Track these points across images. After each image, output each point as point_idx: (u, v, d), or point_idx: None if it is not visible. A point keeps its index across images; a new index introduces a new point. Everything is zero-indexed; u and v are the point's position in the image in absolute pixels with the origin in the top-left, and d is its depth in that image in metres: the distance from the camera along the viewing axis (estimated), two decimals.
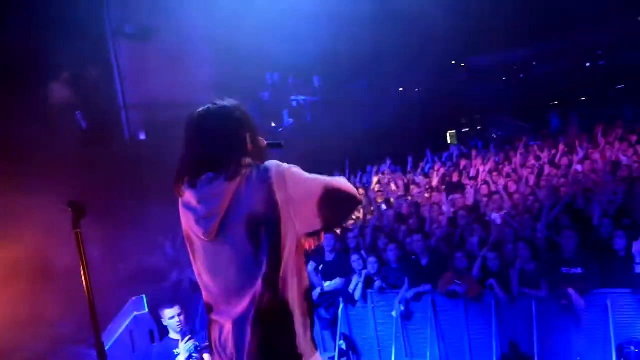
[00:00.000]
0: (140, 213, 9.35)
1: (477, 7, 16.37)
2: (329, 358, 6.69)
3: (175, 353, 4.27)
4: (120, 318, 5.54)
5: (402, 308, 6.18)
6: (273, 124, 12.00)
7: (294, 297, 2.03)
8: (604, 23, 20.37)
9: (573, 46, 21.21)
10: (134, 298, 5.68)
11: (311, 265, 6.61)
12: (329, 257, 6.80)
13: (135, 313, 5.58)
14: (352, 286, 6.52)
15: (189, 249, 2.17)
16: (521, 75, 22.39)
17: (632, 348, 5.22)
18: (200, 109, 2.13)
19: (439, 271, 6.10)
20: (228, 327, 2.05)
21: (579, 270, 5.46)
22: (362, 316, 6.57)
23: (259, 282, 1.98)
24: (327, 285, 6.59)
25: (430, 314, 6.15)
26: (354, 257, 6.61)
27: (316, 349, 2.13)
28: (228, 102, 2.15)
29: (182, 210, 2.13)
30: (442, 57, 23.19)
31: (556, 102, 24.25)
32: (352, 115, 14.48)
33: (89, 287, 2.18)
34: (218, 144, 2.05)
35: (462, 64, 24.33)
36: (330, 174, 2.26)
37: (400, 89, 18.88)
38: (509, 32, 19.95)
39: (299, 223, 2.04)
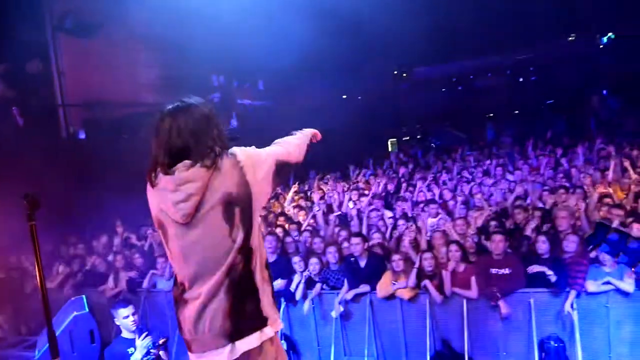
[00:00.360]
0: (78, 214, 9.16)
1: (420, 20, 16.90)
2: None
3: (130, 352, 4.28)
4: (59, 318, 5.44)
5: (342, 309, 6.37)
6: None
7: (256, 266, 2.31)
8: (537, 42, 21.53)
9: (508, 62, 22.24)
10: (73, 298, 5.60)
11: None
12: (270, 258, 6.90)
13: (75, 313, 5.50)
14: (293, 286, 6.65)
15: (160, 234, 2.38)
16: (460, 88, 23.21)
17: (552, 343, 5.63)
18: (172, 105, 2.32)
19: (377, 273, 6.35)
20: (202, 300, 2.25)
21: (506, 271, 5.84)
22: (302, 316, 6.70)
23: (233, 255, 2.24)
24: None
25: (368, 314, 6.37)
26: (296, 259, 6.77)
27: (277, 313, 2.42)
28: (195, 99, 2.36)
29: (155, 196, 2.32)
30: (385, 67, 23.85)
31: (492, 115, 25.36)
32: (296, 121, 14.62)
33: (42, 281, 2.24)
34: (192, 136, 2.24)
35: (404, 74, 24.96)
36: None
37: (344, 96, 19.20)
38: (450, 45, 20.77)
39: (263, 196, 2.36)
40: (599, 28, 21.13)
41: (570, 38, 21.56)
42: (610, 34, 20.93)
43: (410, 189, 10.12)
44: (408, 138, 25.47)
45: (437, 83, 23.09)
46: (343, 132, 16.12)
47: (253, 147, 2.40)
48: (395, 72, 24.32)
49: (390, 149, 23.96)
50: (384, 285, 6.23)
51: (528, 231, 6.48)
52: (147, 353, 4.21)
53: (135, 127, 10.53)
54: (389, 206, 9.15)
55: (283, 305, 6.70)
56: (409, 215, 8.14)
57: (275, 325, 2.37)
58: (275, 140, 2.56)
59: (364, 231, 7.41)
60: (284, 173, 2.47)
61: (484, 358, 5.96)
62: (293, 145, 2.57)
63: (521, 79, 22.26)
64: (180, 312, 2.34)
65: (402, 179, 11.30)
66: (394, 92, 22.13)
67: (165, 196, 2.25)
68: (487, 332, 5.92)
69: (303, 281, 6.60)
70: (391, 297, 6.23)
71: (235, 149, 2.32)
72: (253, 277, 2.30)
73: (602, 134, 13.95)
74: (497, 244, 5.92)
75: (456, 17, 17.99)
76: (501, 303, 5.72)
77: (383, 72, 22.88)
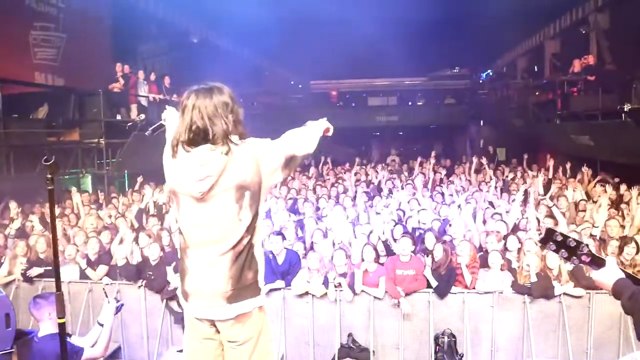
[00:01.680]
0: None
1: (323, 36, 17.59)
2: (177, 351, 6.84)
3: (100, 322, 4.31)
4: None
5: None
6: (119, 116, 11.64)
7: (257, 241, 2.62)
8: (424, 71, 23.32)
9: (399, 86, 23.85)
10: None
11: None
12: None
13: None
14: None
15: (174, 202, 2.63)
16: (353, 104, 24.40)
17: (446, 338, 6.33)
18: (197, 87, 2.53)
19: (294, 270, 6.69)
20: (207, 262, 2.53)
21: (411, 272, 6.46)
22: None
23: (239, 231, 2.50)
24: None
25: (281, 309, 6.66)
26: None
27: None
28: (219, 84, 2.58)
29: (173, 167, 2.53)
30: (284, 77, 24.39)
31: (378, 134, 26.91)
32: None
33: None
34: (211, 119, 2.46)
35: (300, 85, 25.69)
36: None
37: (240, 100, 19.31)
38: (349, 66, 21.87)
39: (271, 184, 2.68)
40: (480, 65, 23.49)
41: (454, 71, 23.68)
42: (489, 71, 23.37)
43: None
44: None
45: (333, 98, 24.07)
46: None
47: (268, 139, 2.65)
48: (292, 82, 25.01)
49: None
50: (299, 283, 6.58)
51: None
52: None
53: (28, 107, 10.05)
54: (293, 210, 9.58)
55: None
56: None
57: (265, 297, 2.68)
58: (289, 131, 2.79)
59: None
60: (293, 165, 2.71)
61: (386, 351, 6.51)
62: (304, 138, 2.80)
63: (410, 103, 23.94)
64: (184, 263, 2.62)
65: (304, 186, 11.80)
66: (291, 101, 22.67)
67: (184, 171, 2.47)
68: (390, 328, 6.48)
69: None
70: (304, 294, 6.59)
71: (254, 140, 2.58)
72: (254, 251, 2.58)
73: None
74: (404, 247, 6.53)
75: (355, 42, 18.90)
76: (402, 301, 6.32)
77: (281, 80, 23.43)
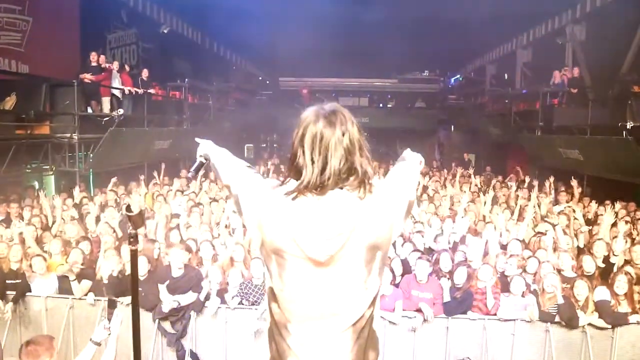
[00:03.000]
0: None
1: (293, 31, 17.17)
2: None
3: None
4: None
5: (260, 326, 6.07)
6: (90, 110, 10.74)
7: (377, 312, 2.05)
8: (394, 73, 23.18)
9: (369, 87, 23.60)
10: None
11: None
12: (176, 272, 6.30)
13: None
14: (202, 295, 6.20)
15: (273, 261, 1.95)
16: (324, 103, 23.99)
17: None
18: (326, 109, 1.94)
19: None
20: (320, 343, 1.95)
21: (428, 296, 6.09)
22: (212, 333, 6.27)
23: (364, 303, 1.95)
24: (182, 300, 6.16)
25: None
26: (213, 269, 6.33)
27: None
28: (337, 106, 1.98)
29: (285, 215, 1.88)
30: (252, 73, 23.73)
31: None
32: (172, 113, 13.86)
33: None
34: (349, 155, 1.89)
35: (267, 82, 25.08)
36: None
37: (221, 96, 18.65)
38: (317, 65, 21.46)
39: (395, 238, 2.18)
40: (449, 69, 23.55)
41: (423, 74, 23.64)
42: (458, 75, 23.46)
43: None
44: (264, 145, 25.60)
45: (303, 96, 23.53)
46: (214, 131, 15.65)
47: (395, 177, 2.15)
48: (260, 78, 24.36)
49: (245, 154, 23.83)
50: None
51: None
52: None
53: None
54: None
55: (192, 321, 6.21)
56: None
57: None
58: (399, 166, 2.28)
59: None
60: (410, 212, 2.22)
61: None
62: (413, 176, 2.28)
63: (381, 105, 23.74)
64: (283, 343, 1.99)
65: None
66: (259, 99, 22.04)
67: (304, 226, 1.85)
68: (404, 353, 6.10)
69: (214, 293, 6.19)
70: None
71: (387, 182, 2.07)
72: (374, 325, 2.03)
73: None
74: (420, 271, 6.16)
75: (325, 41, 18.55)
76: (423, 306, 5.97)
77: (249, 76, 22.77)
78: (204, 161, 2.43)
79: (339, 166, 1.86)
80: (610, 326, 5.87)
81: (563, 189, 11.10)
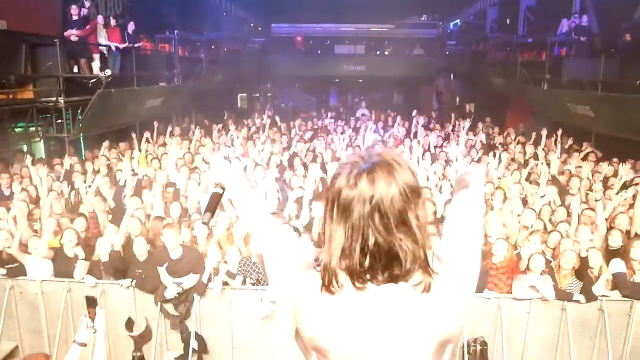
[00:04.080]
0: None
1: None
2: (174, 358, 6.08)
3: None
4: None
5: (270, 306, 5.85)
6: (76, 69, 10.11)
7: None
8: (391, 18, 22.27)
9: (366, 34, 22.74)
10: None
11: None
12: (174, 254, 5.99)
13: None
14: (208, 281, 5.94)
15: (313, 357, 1.52)
16: (319, 52, 23.19)
17: (478, 346, 5.85)
18: (353, 165, 1.43)
19: None
20: None
21: None
22: (217, 314, 6.05)
23: None
24: (183, 283, 5.89)
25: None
26: (211, 248, 6.04)
27: None
28: (383, 156, 1.44)
29: (324, 315, 1.45)
30: (243, 19, 22.74)
31: (337, 80, 25.94)
32: (162, 68, 13.24)
33: None
34: (401, 226, 1.39)
35: (260, 28, 24.16)
36: None
37: (213, 47, 17.86)
38: (311, 9, 20.56)
39: None
40: (448, 14, 22.67)
41: (421, 19, 22.76)
42: (457, 20, 22.62)
43: None
44: (258, 95, 24.96)
45: (298, 44, 22.73)
46: (207, 85, 15.10)
47: (460, 233, 1.67)
48: (252, 25, 23.43)
49: (239, 104, 23.23)
50: None
51: None
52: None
53: None
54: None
55: (195, 303, 5.97)
56: None
57: None
58: (466, 204, 1.78)
59: None
60: None
61: None
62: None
63: (378, 52, 22.97)
64: None
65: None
66: (252, 48, 21.21)
67: (350, 323, 1.43)
68: None
69: (219, 274, 5.92)
70: None
71: (448, 258, 1.55)
72: None
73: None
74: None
75: None
76: None
77: (241, 23, 21.86)
78: (220, 192, 1.92)
79: (370, 246, 1.39)
80: (627, 301, 5.71)
81: (575, 146, 10.82)
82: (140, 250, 6.07)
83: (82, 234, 6.41)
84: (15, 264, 6.09)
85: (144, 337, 2.06)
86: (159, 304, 5.98)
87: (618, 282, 5.70)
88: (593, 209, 6.87)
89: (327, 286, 1.43)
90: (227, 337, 6.11)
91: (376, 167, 1.40)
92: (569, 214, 6.97)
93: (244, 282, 6.03)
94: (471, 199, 1.80)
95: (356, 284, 1.41)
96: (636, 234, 6.48)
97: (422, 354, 1.44)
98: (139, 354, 2.74)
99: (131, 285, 6.02)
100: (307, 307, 1.48)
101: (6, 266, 6.07)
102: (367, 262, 1.39)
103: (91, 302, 3.48)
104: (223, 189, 1.92)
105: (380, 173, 1.39)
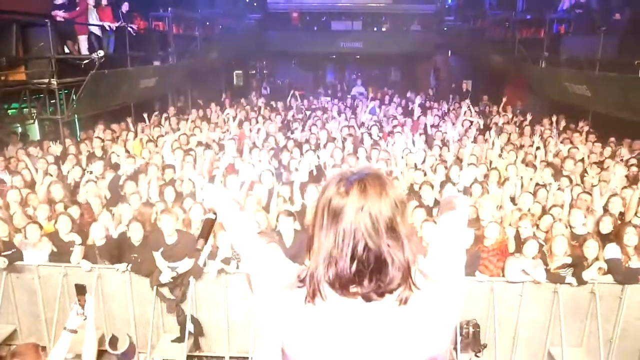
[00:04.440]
0: None
1: None
2: (171, 340, 6.16)
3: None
4: None
5: None
6: (68, 50, 10.00)
7: None
8: None
9: (363, 9, 22.42)
10: None
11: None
12: (169, 239, 6.02)
13: None
14: (201, 261, 5.98)
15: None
16: (315, 28, 22.91)
17: (470, 328, 5.93)
18: (342, 177, 1.46)
19: (303, 252, 5.97)
20: None
21: None
22: (213, 297, 6.11)
23: None
24: (178, 267, 5.93)
25: None
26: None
27: None
28: (370, 172, 1.48)
29: (308, 329, 1.47)
30: None
31: (334, 57, 25.69)
32: (156, 47, 13.10)
33: None
34: (390, 239, 1.41)
35: (255, 4, 23.81)
36: None
37: (207, 24, 17.62)
38: None
39: None
40: None
41: None
42: None
43: None
44: (254, 72, 24.78)
45: (295, 20, 22.42)
46: (190, 67, 14.95)
47: (445, 250, 1.66)
48: (247, 0, 23.10)
49: (235, 82, 23.08)
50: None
51: None
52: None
53: None
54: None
55: (191, 287, 6.02)
56: None
57: None
58: (451, 223, 1.77)
59: None
60: None
61: None
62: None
63: (375, 28, 22.71)
64: None
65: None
66: (248, 24, 20.92)
67: (334, 337, 1.45)
68: None
69: (215, 259, 5.96)
70: None
71: (431, 270, 1.54)
72: None
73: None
74: (427, 231, 5.90)
75: None
76: None
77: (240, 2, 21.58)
78: (213, 217, 1.97)
79: (359, 252, 1.40)
80: (619, 285, 5.77)
81: (571, 126, 10.80)
82: (136, 235, 6.09)
83: (77, 220, 6.43)
84: (13, 250, 6.11)
85: (127, 355, 2.12)
86: (154, 287, 6.03)
87: (612, 268, 5.74)
88: (589, 193, 6.87)
89: (312, 297, 1.44)
90: (222, 320, 6.17)
91: (367, 178, 1.44)
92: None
93: (238, 267, 6.06)
94: (456, 222, 1.80)
95: (342, 291, 1.42)
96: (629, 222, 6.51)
97: None
98: None
99: (127, 270, 6.06)
100: (291, 324, 1.49)
101: (3, 253, 6.09)
102: (354, 267, 1.40)
103: (80, 290, 3.54)
104: (215, 214, 1.97)
105: (372, 183, 1.42)
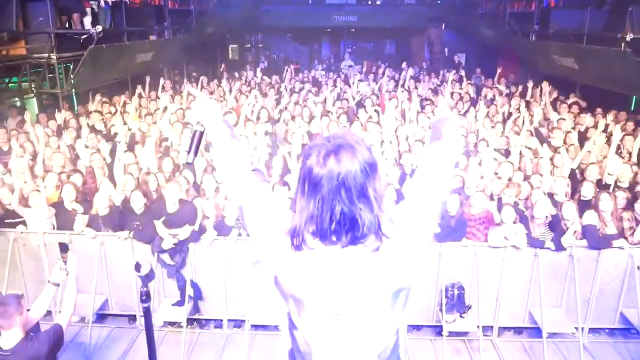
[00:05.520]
0: None
1: None
2: (172, 304, 6.48)
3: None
4: None
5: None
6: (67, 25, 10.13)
7: (401, 339, 1.97)
8: None
9: None
10: None
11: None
12: (171, 208, 6.30)
13: None
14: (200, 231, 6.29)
15: (290, 302, 1.84)
16: (310, 2, 22.89)
17: (455, 290, 6.27)
18: (332, 142, 1.70)
19: None
20: None
21: None
22: (211, 263, 6.41)
23: (390, 337, 1.87)
24: (179, 234, 6.22)
25: None
26: (207, 204, 6.37)
27: None
28: (345, 139, 1.71)
29: (298, 269, 1.75)
30: None
31: (329, 30, 25.66)
32: (152, 22, 13.18)
33: None
34: (361, 198, 1.66)
35: None
36: None
37: None
38: None
39: None
40: None
41: None
42: None
43: None
44: (249, 46, 24.76)
45: None
46: (186, 41, 15.03)
47: (417, 195, 1.92)
48: None
49: (230, 56, 23.08)
50: None
51: None
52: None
53: None
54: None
55: (190, 253, 6.33)
56: None
57: None
58: (434, 158, 2.03)
59: None
60: None
61: None
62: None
63: (369, 2, 22.69)
64: None
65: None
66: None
67: (315, 277, 1.73)
68: None
69: (210, 227, 6.28)
70: None
71: (402, 222, 1.80)
72: (399, 350, 1.96)
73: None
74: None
75: None
76: None
77: None
78: (202, 129, 2.06)
79: (336, 215, 1.65)
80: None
81: (560, 98, 11.03)
82: (138, 204, 6.37)
83: (80, 188, 6.70)
84: (18, 219, 6.39)
85: (148, 277, 2.59)
86: (156, 254, 6.32)
87: (587, 234, 6.09)
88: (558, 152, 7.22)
89: (297, 246, 1.72)
90: (220, 284, 6.48)
91: (341, 149, 1.67)
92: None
93: (239, 235, 6.34)
94: (442, 152, 2.06)
95: (324, 244, 1.71)
96: (606, 183, 6.87)
97: (380, 300, 1.76)
98: (145, 289, 3.20)
99: (129, 237, 6.35)
100: (285, 263, 1.77)
101: (6, 220, 6.37)
102: (333, 227, 1.67)
103: (64, 248, 3.93)
104: (204, 127, 2.06)
105: (345, 153, 1.66)
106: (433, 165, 2.02)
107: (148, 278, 2.50)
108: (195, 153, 2.17)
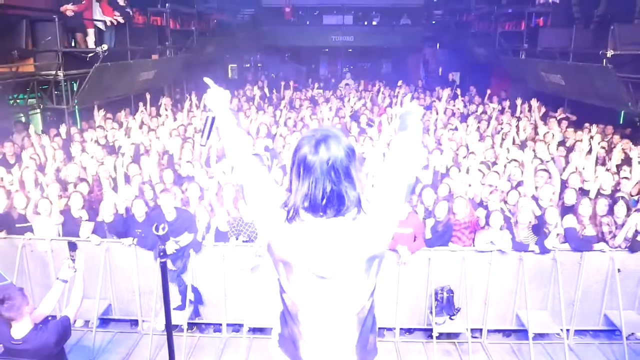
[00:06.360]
0: None
1: None
2: (173, 308, 6.70)
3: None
4: None
5: (258, 262, 6.45)
6: (73, 43, 10.56)
7: (375, 301, 2.31)
8: None
9: (353, 3, 22.90)
10: None
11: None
12: (170, 217, 6.58)
13: None
14: (199, 236, 6.56)
15: (281, 266, 2.19)
16: (307, 22, 23.43)
17: (445, 293, 6.53)
18: (321, 133, 2.09)
19: None
20: (328, 335, 2.22)
21: (408, 231, 6.46)
22: (211, 268, 6.66)
23: (365, 299, 2.21)
24: (181, 242, 6.50)
25: None
26: (199, 210, 6.66)
27: None
28: (329, 131, 2.13)
29: (289, 234, 2.11)
30: None
31: (326, 50, 26.19)
32: (154, 41, 13.58)
33: None
34: (346, 177, 2.05)
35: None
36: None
37: (203, 19, 18.08)
38: None
39: None
40: None
41: None
42: None
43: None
44: (248, 65, 25.23)
45: (285, 15, 22.86)
46: (187, 61, 15.43)
47: (388, 178, 2.27)
48: None
49: (229, 75, 23.56)
50: None
51: None
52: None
53: None
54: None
55: (191, 258, 6.59)
56: None
57: None
58: (400, 145, 2.40)
59: None
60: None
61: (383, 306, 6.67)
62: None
63: (366, 22, 23.23)
64: (295, 328, 2.27)
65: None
66: (240, 18, 21.41)
67: (304, 245, 2.08)
68: (389, 284, 6.59)
69: (207, 233, 6.58)
70: None
71: (377, 199, 2.18)
72: (373, 311, 2.32)
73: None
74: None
75: None
76: (400, 248, 6.35)
77: None
78: (214, 115, 2.39)
79: (327, 193, 2.03)
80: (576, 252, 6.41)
81: (550, 113, 11.43)
82: (139, 212, 6.66)
83: (86, 197, 7.03)
84: (26, 224, 6.68)
85: (166, 237, 2.99)
86: (158, 259, 6.57)
87: (567, 237, 6.40)
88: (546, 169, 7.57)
89: (291, 218, 2.09)
90: (220, 289, 6.74)
91: (328, 138, 2.08)
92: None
93: (237, 239, 6.62)
94: (406, 141, 2.43)
95: (314, 216, 2.07)
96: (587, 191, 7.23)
97: (357, 265, 2.12)
98: (163, 247, 3.54)
99: (132, 244, 6.63)
100: (277, 232, 2.14)
101: (16, 225, 6.66)
102: (324, 202, 2.04)
103: (73, 247, 4.22)
104: (211, 112, 2.38)
105: (332, 141, 2.07)
106: (399, 153, 2.38)
107: (164, 238, 2.89)
108: (208, 136, 2.48)
